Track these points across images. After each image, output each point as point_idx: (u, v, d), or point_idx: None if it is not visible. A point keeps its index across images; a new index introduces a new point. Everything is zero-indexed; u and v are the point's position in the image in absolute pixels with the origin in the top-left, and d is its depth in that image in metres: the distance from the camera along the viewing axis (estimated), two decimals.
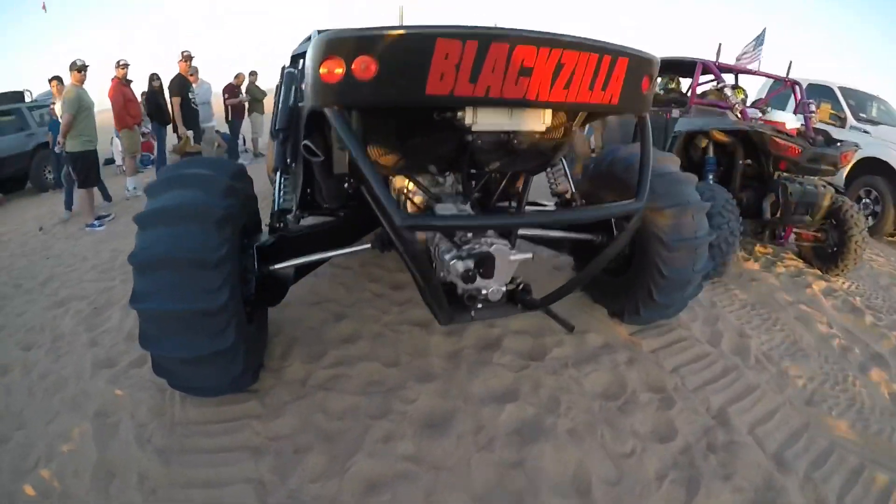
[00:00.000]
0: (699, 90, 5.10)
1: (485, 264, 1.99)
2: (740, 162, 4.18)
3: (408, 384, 2.38)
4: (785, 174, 4.03)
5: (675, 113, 4.66)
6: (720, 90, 4.52)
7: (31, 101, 9.04)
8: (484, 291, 2.08)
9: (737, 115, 4.10)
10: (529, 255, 2.14)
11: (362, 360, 2.54)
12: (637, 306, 2.67)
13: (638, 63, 1.74)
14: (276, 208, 2.48)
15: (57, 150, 6.01)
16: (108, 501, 1.84)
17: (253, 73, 9.85)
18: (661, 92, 5.78)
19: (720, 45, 4.83)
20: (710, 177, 4.16)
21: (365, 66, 1.46)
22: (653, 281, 2.51)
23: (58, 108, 6.17)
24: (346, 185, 2.36)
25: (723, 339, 2.89)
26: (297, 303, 3.05)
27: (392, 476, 1.93)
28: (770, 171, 4.07)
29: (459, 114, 1.71)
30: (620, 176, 2.60)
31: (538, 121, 1.81)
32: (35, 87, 9.83)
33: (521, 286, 2.21)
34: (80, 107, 5.25)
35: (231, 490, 1.88)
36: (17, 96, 9.03)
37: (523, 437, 2.09)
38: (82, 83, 5.44)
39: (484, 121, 1.72)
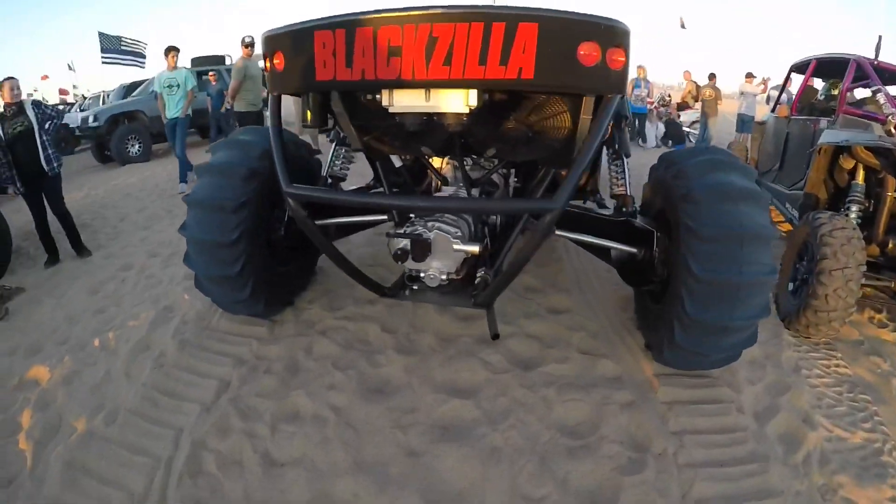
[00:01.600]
0: (858, 96, 4.10)
1: (416, 247, 1.99)
2: (888, 194, 3.03)
3: (387, 351, 2.52)
4: None
5: (823, 123, 3.66)
6: (875, 96, 3.45)
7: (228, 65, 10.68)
8: (422, 274, 2.08)
9: (891, 130, 3.06)
10: (475, 248, 2.02)
11: (369, 320, 2.77)
12: (661, 345, 2.22)
13: (561, 28, 1.49)
14: (324, 173, 2.81)
15: (224, 109, 7.76)
16: (131, 361, 2.52)
17: None
18: (822, 98, 4.71)
19: (880, 38, 3.82)
20: (853, 210, 3.13)
21: (279, 61, 1.78)
22: (677, 318, 2.05)
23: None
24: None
25: (776, 417, 2.18)
26: (355, 262, 3.38)
27: (311, 415, 2.15)
28: None
29: (377, 96, 1.77)
30: (669, 182, 2.20)
31: (460, 102, 1.68)
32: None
33: (481, 281, 2.10)
34: (246, 75, 6.47)
35: (205, 382, 2.39)
36: (220, 60, 11.00)
37: (444, 434, 2.07)
38: (250, 56, 6.62)
39: (399, 102, 1.74)
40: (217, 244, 2.33)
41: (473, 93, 1.66)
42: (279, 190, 2.36)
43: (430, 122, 1.83)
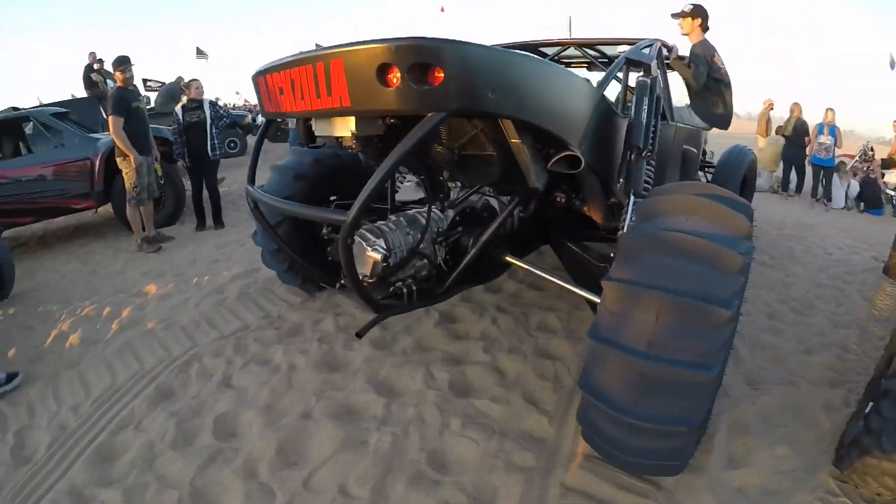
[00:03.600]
0: None
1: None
2: None
3: (366, 342, 2.78)
4: None
5: None
6: None
7: None
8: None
9: None
10: (378, 256, 2.12)
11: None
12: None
13: (357, 58, 1.58)
14: None
15: None
16: (205, 297, 3.45)
17: None
18: None
19: None
20: None
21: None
22: (583, 399, 1.81)
23: None
24: None
25: None
26: None
27: (274, 364, 2.68)
28: None
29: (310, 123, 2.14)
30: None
31: (344, 128, 1.91)
32: None
33: (397, 288, 2.22)
34: None
35: (235, 321, 3.18)
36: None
37: (342, 415, 2.27)
38: None
39: (318, 129, 2.07)
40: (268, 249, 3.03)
41: (351, 120, 1.87)
42: (329, 191, 2.89)
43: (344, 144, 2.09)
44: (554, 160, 2.05)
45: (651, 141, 2.51)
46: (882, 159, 9.48)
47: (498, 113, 1.78)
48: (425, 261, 2.37)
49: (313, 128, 2.12)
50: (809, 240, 5.70)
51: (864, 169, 9.20)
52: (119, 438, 2.28)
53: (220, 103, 18.38)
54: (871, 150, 9.48)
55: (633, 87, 2.51)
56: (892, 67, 11.93)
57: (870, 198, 8.63)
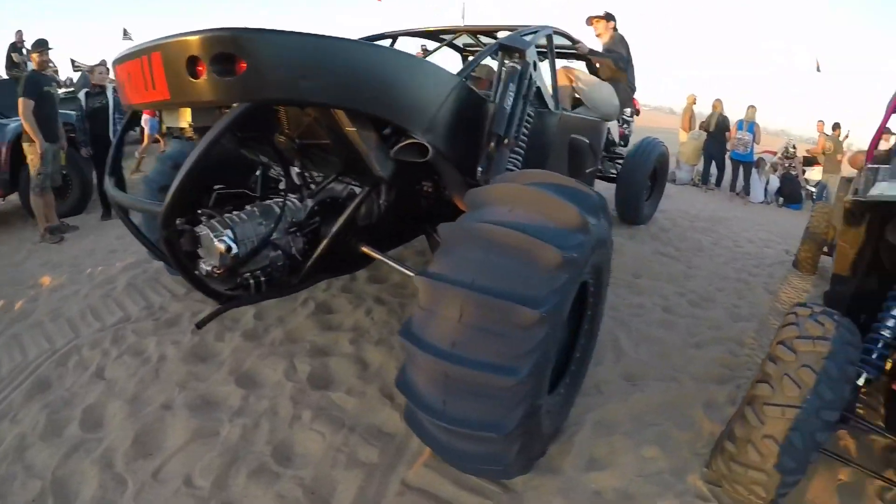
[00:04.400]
0: None
1: (189, 239, 2.23)
2: None
3: (236, 332, 2.97)
4: None
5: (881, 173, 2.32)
6: None
7: None
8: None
9: None
10: (222, 247, 2.14)
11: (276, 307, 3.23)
12: None
13: (170, 51, 1.62)
14: None
15: None
16: (95, 287, 3.49)
17: None
18: None
19: None
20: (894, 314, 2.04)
21: None
22: None
23: None
24: None
25: None
26: None
27: (144, 353, 2.79)
28: None
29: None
30: None
31: (183, 119, 1.97)
32: None
33: (243, 279, 2.26)
34: None
35: (119, 312, 3.30)
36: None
37: (199, 404, 2.43)
38: None
39: (165, 120, 2.14)
40: None
41: (187, 112, 1.93)
42: (212, 181, 2.67)
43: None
44: (397, 148, 2.07)
45: (517, 129, 2.52)
46: (804, 156, 10.08)
47: (313, 101, 1.78)
48: (279, 252, 2.37)
49: (163, 119, 2.15)
50: (721, 233, 5.97)
51: (786, 165, 9.70)
52: None
53: None
54: (793, 147, 10.03)
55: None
56: (818, 70, 12.76)
57: (789, 193, 9.18)
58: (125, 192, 2.44)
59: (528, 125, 2.75)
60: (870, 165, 2.83)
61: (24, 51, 8.41)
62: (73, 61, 10.43)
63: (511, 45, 2.78)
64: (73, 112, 5.58)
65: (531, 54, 2.79)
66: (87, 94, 5.35)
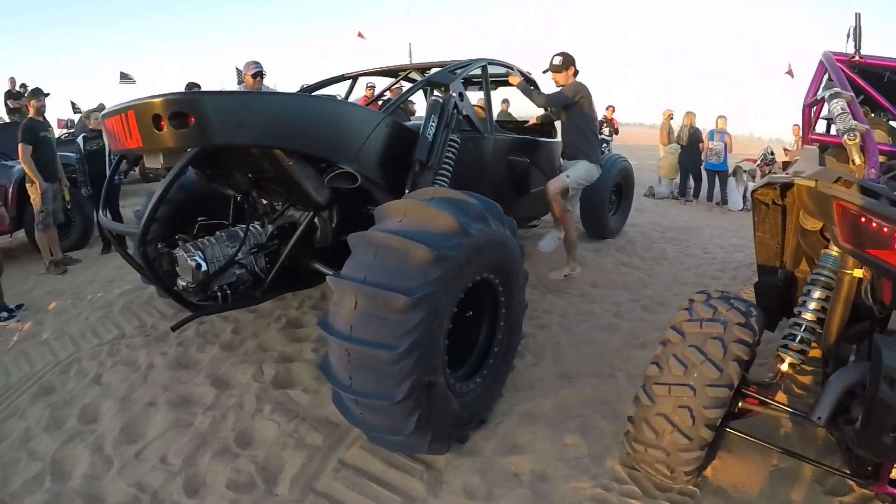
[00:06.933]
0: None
1: (167, 259, 2.75)
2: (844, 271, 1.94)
3: (211, 346, 3.45)
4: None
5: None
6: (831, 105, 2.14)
7: None
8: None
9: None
10: (193, 265, 2.64)
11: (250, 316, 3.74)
12: None
13: (140, 111, 2.12)
14: None
15: None
16: (94, 311, 4.02)
17: None
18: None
19: (857, 16, 2.71)
20: (815, 297, 1.99)
21: None
22: None
23: None
24: None
25: None
26: None
27: (139, 362, 3.25)
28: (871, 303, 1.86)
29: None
30: None
31: (157, 161, 2.38)
32: None
33: (212, 293, 2.75)
34: None
35: (115, 329, 3.78)
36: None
37: (179, 403, 2.89)
38: None
39: (146, 161, 2.55)
40: None
41: (161, 156, 2.35)
42: (196, 213, 3.25)
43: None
44: (328, 177, 2.54)
45: (439, 154, 2.91)
46: (784, 162, 10.23)
47: (250, 144, 2.26)
48: (244, 269, 2.89)
49: (144, 161, 2.63)
50: (692, 241, 6.21)
51: (768, 171, 9.83)
52: (5, 426, 2.87)
53: None
54: (772, 153, 10.27)
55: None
56: (792, 76, 12.73)
57: None
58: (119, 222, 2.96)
59: (453, 149, 3.14)
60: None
61: (24, 96, 8.91)
62: (73, 104, 11.12)
63: (437, 80, 3.26)
64: (72, 154, 6.14)
65: (456, 87, 3.24)
66: (84, 137, 5.90)
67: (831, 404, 1.71)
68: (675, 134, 10.14)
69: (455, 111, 3.10)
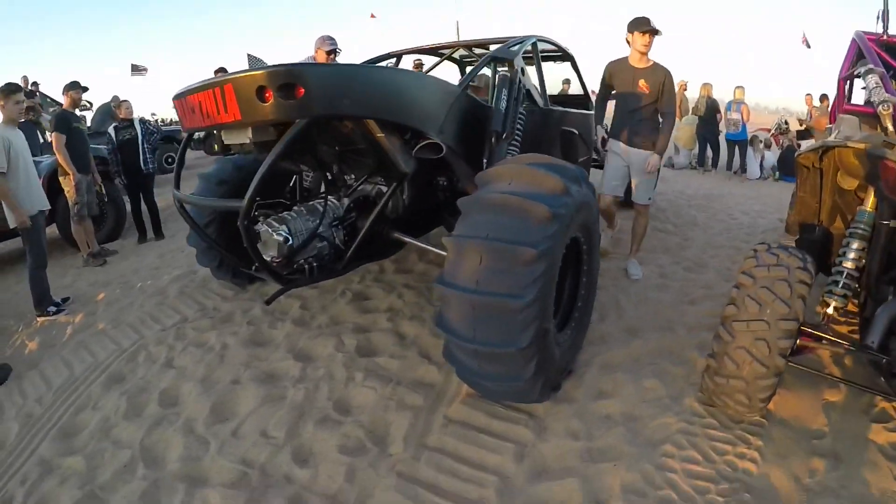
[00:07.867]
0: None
1: (250, 235, 2.52)
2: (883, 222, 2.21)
3: (283, 323, 3.35)
4: None
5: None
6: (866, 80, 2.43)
7: None
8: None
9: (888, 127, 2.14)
10: (280, 239, 2.57)
11: (311, 295, 3.64)
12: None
13: (242, 83, 2.10)
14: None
15: None
16: (147, 298, 3.87)
17: None
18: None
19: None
20: (853, 249, 2.25)
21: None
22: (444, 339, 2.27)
23: None
24: None
25: (553, 483, 2.06)
26: None
27: (208, 345, 3.19)
28: None
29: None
30: None
31: (244, 136, 2.37)
32: None
33: (300, 266, 2.67)
34: None
35: (173, 315, 3.67)
36: None
37: (264, 379, 2.80)
38: None
39: (226, 138, 2.54)
40: None
41: (249, 130, 2.32)
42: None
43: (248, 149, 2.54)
44: (417, 148, 2.55)
45: (511, 125, 2.99)
46: (797, 131, 10.40)
47: (353, 115, 2.30)
48: (325, 242, 2.83)
49: (223, 138, 2.59)
50: (716, 208, 6.29)
51: (789, 139, 10.09)
52: (79, 418, 2.77)
53: (158, 118, 18.25)
54: (786, 123, 10.40)
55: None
56: (808, 46, 12.81)
57: (789, 165, 9.43)
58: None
59: (522, 121, 3.25)
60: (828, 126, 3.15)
61: (37, 94, 8.80)
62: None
63: (501, 56, 3.34)
64: (103, 147, 6.03)
65: (518, 62, 3.32)
66: (115, 128, 5.79)
67: (881, 332, 2.00)
68: (690, 105, 10.28)
69: (520, 84, 3.19)
